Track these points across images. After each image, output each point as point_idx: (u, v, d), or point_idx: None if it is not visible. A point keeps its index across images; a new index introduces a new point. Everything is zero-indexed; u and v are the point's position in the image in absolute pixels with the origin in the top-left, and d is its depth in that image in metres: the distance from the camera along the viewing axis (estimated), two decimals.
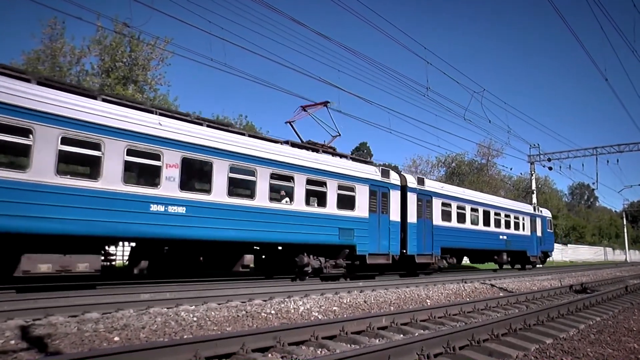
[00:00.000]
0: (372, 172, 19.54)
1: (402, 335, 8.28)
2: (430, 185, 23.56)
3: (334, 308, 11.35)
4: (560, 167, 46.85)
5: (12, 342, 6.87)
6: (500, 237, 29.37)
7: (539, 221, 35.16)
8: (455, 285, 17.02)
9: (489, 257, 30.66)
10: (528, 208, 34.99)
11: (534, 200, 48.81)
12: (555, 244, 69.77)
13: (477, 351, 7.15)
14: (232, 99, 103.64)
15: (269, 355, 6.74)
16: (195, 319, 8.91)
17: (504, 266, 34.04)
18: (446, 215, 24.19)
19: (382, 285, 16.04)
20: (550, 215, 39.23)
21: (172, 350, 5.89)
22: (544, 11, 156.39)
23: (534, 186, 49.50)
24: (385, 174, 20.15)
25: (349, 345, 7.44)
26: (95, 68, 27.68)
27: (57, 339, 7.04)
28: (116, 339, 7.35)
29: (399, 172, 22.26)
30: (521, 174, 56.06)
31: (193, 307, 10.13)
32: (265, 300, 11.42)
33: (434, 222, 22.87)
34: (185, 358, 5.90)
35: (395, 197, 20.39)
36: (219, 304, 10.60)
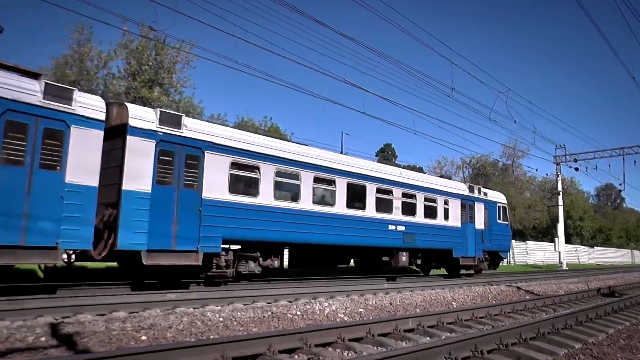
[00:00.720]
0: None
1: (428, 338, 8.24)
2: (201, 129, 13.78)
3: (360, 310, 11.33)
4: (586, 167, 46.26)
5: (43, 339, 7.01)
6: (391, 227, 19.19)
7: (479, 208, 24.50)
8: (481, 288, 16.86)
9: (374, 258, 20.22)
10: (457, 187, 23.91)
11: (561, 201, 48.20)
12: (581, 247, 69.03)
13: (505, 355, 7.09)
14: (256, 101, 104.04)
15: (296, 356, 6.75)
16: (221, 319, 8.97)
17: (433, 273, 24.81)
18: (244, 185, 14.82)
19: (408, 287, 15.93)
20: (504, 201, 27.67)
21: (199, 350, 5.92)
22: (571, 10, 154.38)
23: (559, 187, 48.90)
24: (51, 92, 10.92)
25: (375, 348, 7.42)
26: (121, 71, 28.06)
27: (86, 337, 7.15)
28: (143, 338, 7.43)
29: (113, 103, 13.25)
30: (547, 174, 55.21)
31: (219, 307, 10.18)
32: (290, 302, 11.43)
33: (207, 195, 13.38)
34: (212, 358, 5.92)
35: (82, 139, 11.24)
36: (245, 305, 10.64)
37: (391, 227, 19.21)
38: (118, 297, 10.84)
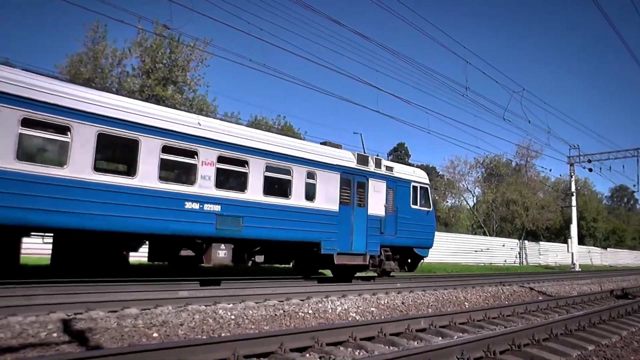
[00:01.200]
0: None
1: (441, 338, 8.21)
2: None
3: (372, 309, 11.29)
4: (600, 168, 45.87)
5: (55, 334, 7.03)
6: (191, 205, 12.75)
7: (377, 187, 17.68)
8: (493, 288, 16.75)
9: (168, 251, 13.52)
10: (336, 155, 16.80)
11: (574, 201, 47.70)
12: (594, 248, 68.22)
13: (518, 356, 7.08)
14: (271, 99, 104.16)
15: (307, 355, 6.74)
16: (233, 317, 8.97)
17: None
18: None
19: (420, 287, 15.85)
20: (425, 180, 20.22)
21: (211, 348, 5.93)
22: (585, 9, 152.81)
23: (573, 188, 48.50)
24: None
25: (387, 347, 7.40)
26: (135, 69, 28.16)
27: (98, 334, 7.17)
28: (155, 335, 7.45)
29: None
30: (560, 175, 54.86)
31: (231, 305, 10.17)
32: (302, 300, 11.40)
33: None
34: (223, 356, 5.93)
35: None
36: (257, 303, 10.62)
37: (191, 205, 12.81)
38: (130, 293, 10.88)
